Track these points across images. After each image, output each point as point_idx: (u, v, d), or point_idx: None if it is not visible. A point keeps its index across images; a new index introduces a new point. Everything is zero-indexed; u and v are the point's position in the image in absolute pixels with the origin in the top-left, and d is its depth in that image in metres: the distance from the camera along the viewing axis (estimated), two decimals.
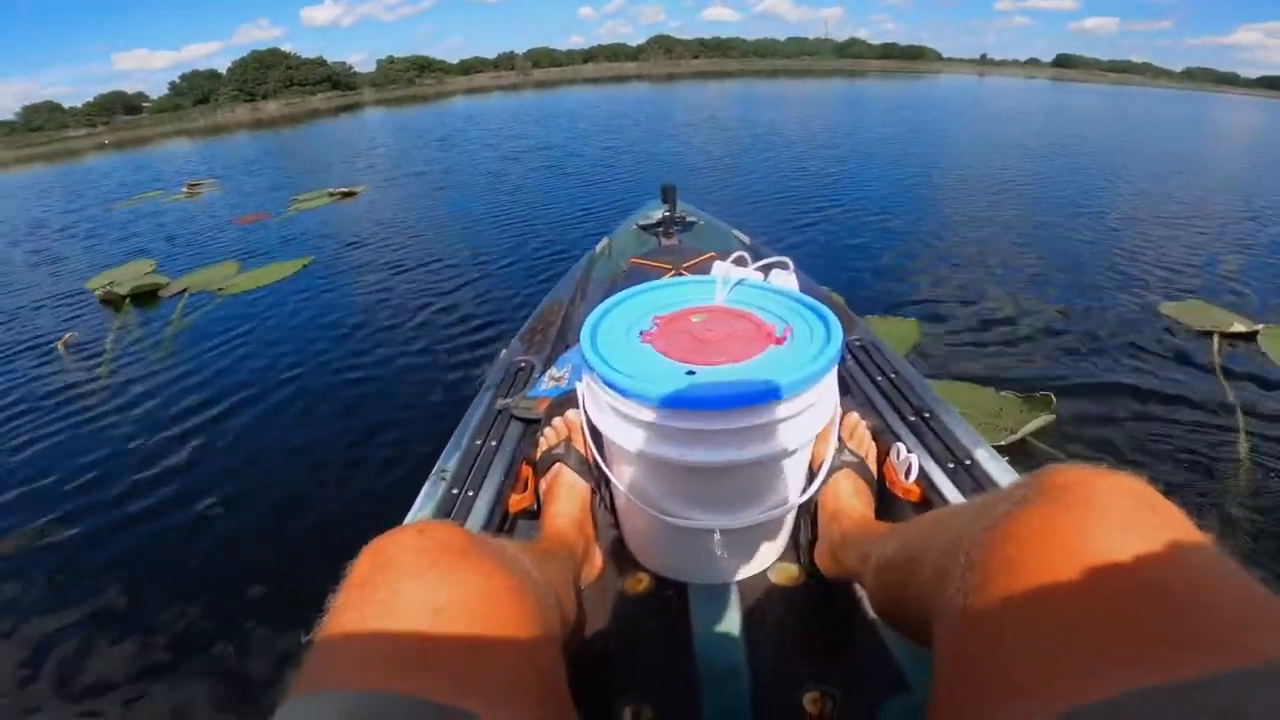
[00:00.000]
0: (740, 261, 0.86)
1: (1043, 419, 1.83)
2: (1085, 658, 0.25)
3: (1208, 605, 0.25)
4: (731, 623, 0.74)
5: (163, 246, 4.83)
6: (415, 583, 0.34)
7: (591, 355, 0.64)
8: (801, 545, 0.81)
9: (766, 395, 0.58)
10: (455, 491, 0.85)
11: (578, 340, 0.67)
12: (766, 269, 0.96)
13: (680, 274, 1.28)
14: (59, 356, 2.93)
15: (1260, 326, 2.43)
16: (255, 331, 2.99)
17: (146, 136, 23.12)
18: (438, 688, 0.29)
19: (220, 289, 3.61)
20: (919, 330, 2.52)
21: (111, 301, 3.57)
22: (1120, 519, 0.29)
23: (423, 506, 0.84)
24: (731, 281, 0.78)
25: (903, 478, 0.82)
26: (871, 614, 0.73)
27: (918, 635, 0.41)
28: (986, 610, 0.29)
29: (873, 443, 0.87)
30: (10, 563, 1.63)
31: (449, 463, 0.92)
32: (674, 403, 0.58)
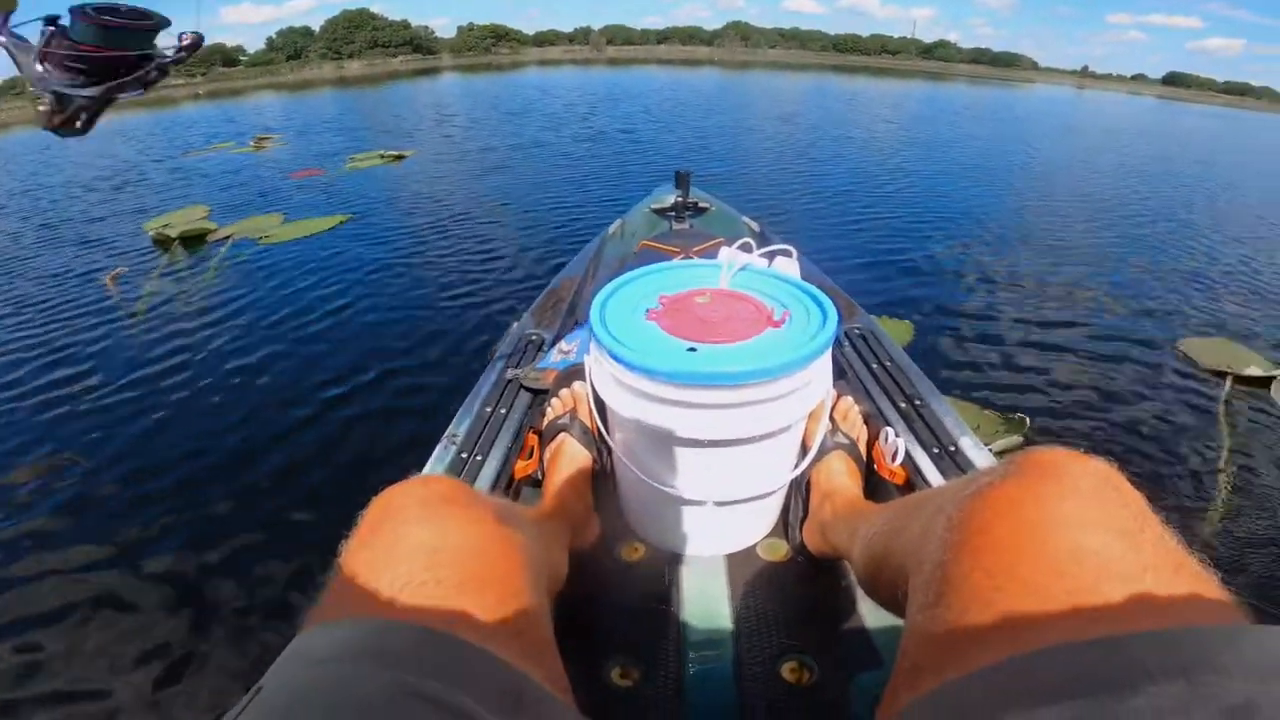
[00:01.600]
0: (746, 248, 0.90)
1: (1010, 440, 1.84)
2: (1034, 614, 0.28)
3: (1138, 573, 0.29)
4: (719, 594, 0.78)
5: (220, 194, 5.13)
6: (417, 528, 0.38)
7: (599, 329, 0.68)
8: (791, 523, 0.84)
9: (762, 373, 0.62)
10: (464, 455, 0.91)
11: (587, 317, 0.72)
12: (771, 256, 1.01)
13: (689, 257, 1.33)
14: (106, 289, 3.19)
15: (1279, 372, 2.29)
16: (286, 280, 3.17)
17: (239, 89, 24.15)
18: (433, 618, 0.33)
19: (262, 237, 3.83)
20: (911, 334, 2.51)
21: (162, 242, 3.84)
22: (1086, 495, 0.32)
23: (433, 468, 0.88)
24: (736, 266, 0.81)
25: (889, 461, 0.87)
26: (852, 592, 0.78)
27: (894, 602, 0.45)
28: (960, 567, 0.33)
29: (864, 426, 0.91)
30: (28, 486, 1.76)
31: (460, 428, 0.96)
32: (675, 377, 0.62)
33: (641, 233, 1.86)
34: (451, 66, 32.77)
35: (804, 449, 0.80)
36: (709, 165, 5.92)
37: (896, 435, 0.88)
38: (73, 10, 0.45)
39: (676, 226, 1.88)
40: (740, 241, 0.94)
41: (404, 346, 2.48)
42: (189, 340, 2.58)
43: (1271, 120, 22.53)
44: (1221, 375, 2.30)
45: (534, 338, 1.25)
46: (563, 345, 1.13)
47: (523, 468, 0.92)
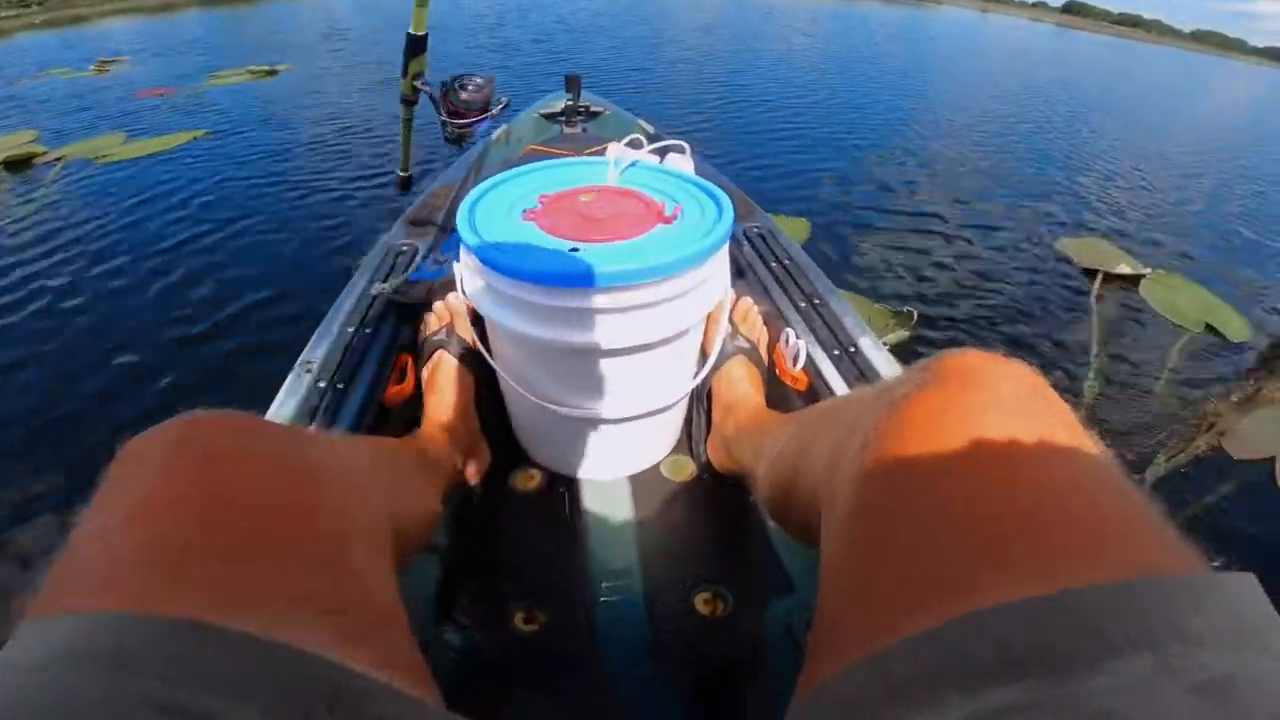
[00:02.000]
0: (636, 144, 0.84)
1: (900, 334, 1.89)
2: (967, 560, 0.24)
3: (1083, 508, 0.24)
4: (625, 520, 0.74)
5: (53, 119, 4.48)
6: (172, 482, 0.28)
7: (466, 230, 0.61)
8: (695, 438, 0.80)
9: (651, 272, 0.56)
10: (322, 384, 0.76)
11: None
12: (663, 152, 0.94)
13: None
14: None
15: (1147, 271, 2.40)
16: (128, 203, 2.82)
17: (84, 15, 21.17)
18: (195, 602, 0.24)
19: (99, 157, 3.41)
20: (808, 232, 2.51)
21: None
22: (1011, 405, 0.28)
23: (284, 403, 0.74)
24: (625, 162, 0.74)
25: (790, 364, 0.82)
26: (761, 512, 0.73)
27: (805, 532, 0.40)
28: (878, 499, 0.29)
29: (764, 328, 0.86)
30: None
31: (315, 353, 0.82)
32: (554, 279, 0.56)
33: (528, 137, 1.76)
34: None
35: (703, 356, 0.74)
36: (625, 76, 5.67)
37: (797, 337, 0.83)
38: (455, 78, 0.97)
39: (567, 131, 1.78)
40: (629, 138, 0.86)
41: (261, 273, 2.24)
42: (8, 276, 2.26)
43: (1159, 51, 23.86)
44: (1093, 273, 2.39)
45: (405, 249, 1.10)
46: (438, 255, 1.03)
47: (396, 392, 0.80)
